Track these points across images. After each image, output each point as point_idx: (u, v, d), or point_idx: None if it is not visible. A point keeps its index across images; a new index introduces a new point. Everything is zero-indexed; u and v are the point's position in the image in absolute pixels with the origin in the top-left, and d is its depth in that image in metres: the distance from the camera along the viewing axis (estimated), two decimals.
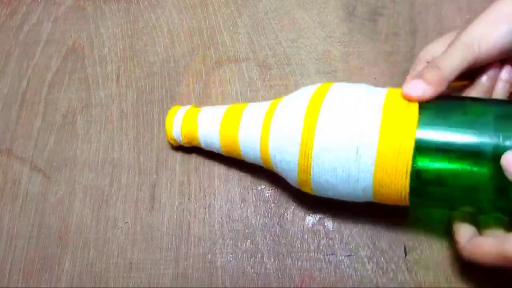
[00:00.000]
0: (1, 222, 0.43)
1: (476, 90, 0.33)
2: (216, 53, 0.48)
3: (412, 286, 0.35)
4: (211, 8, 0.51)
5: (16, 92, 0.49)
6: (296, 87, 0.44)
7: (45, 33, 0.52)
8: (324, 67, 0.45)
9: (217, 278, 0.38)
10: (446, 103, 0.31)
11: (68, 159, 0.45)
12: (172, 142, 0.41)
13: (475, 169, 0.27)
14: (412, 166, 0.29)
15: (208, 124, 0.38)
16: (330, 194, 0.33)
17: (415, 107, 0.30)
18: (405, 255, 0.36)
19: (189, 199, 0.41)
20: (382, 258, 0.36)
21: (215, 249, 0.39)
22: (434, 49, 0.35)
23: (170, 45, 0.49)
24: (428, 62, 0.35)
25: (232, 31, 0.49)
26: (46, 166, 0.45)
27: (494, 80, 0.33)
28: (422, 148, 0.29)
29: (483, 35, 0.31)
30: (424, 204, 0.33)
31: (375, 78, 0.44)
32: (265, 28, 0.48)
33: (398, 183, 0.30)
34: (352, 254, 0.36)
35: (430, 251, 0.36)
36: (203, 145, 0.40)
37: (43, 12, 0.54)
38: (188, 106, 0.41)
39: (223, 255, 0.38)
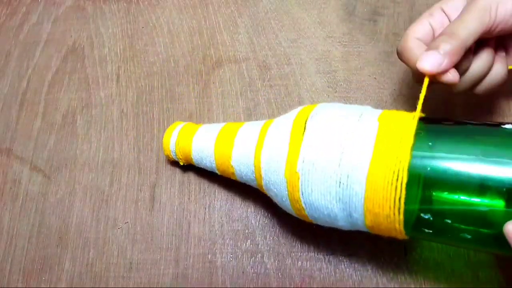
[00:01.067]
0: (1, 222, 0.43)
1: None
2: (216, 53, 0.48)
3: (412, 286, 0.35)
4: (211, 8, 0.51)
5: (16, 92, 0.49)
6: (296, 87, 0.44)
7: (45, 33, 0.52)
8: (324, 67, 0.45)
9: (217, 278, 0.38)
10: (451, 128, 0.29)
11: (68, 159, 0.45)
12: (168, 157, 0.41)
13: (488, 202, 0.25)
14: (406, 202, 0.26)
15: (201, 146, 0.37)
16: (328, 225, 0.32)
17: (409, 134, 0.27)
18: (405, 255, 0.36)
19: (189, 199, 0.41)
20: (382, 258, 0.36)
21: (215, 249, 0.39)
22: (451, 2, 0.33)
23: (170, 45, 0.49)
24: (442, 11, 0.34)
25: (232, 31, 0.49)
26: (46, 166, 0.45)
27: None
28: (427, 179, 0.26)
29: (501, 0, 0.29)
30: (424, 238, 0.30)
31: (375, 78, 0.44)
32: (265, 28, 0.48)
33: (390, 219, 0.27)
34: (352, 254, 0.36)
35: (430, 251, 0.36)
36: (196, 164, 0.39)
37: (43, 12, 0.54)
38: (184, 123, 0.40)
39: (223, 255, 0.38)
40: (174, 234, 0.40)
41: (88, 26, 0.52)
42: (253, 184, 0.35)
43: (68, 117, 0.47)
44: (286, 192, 0.31)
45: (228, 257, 0.38)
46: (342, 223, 0.30)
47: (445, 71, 0.29)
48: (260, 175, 0.33)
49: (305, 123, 0.30)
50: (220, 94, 0.45)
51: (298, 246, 0.38)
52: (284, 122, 0.32)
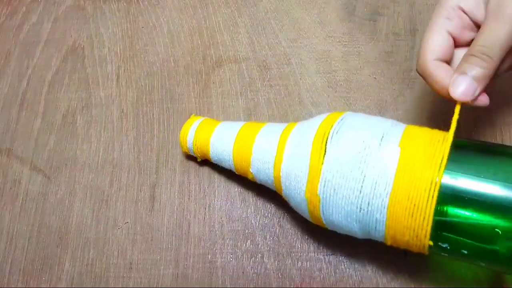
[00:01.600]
0: (1, 222, 0.43)
1: None
2: (216, 53, 0.48)
3: (412, 286, 0.35)
4: (211, 8, 0.51)
5: (16, 92, 0.49)
6: (296, 87, 0.44)
7: (45, 33, 0.52)
8: (324, 67, 0.45)
9: (217, 278, 0.38)
10: (479, 150, 0.28)
11: (68, 159, 0.45)
12: (186, 152, 0.41)
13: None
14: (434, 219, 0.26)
15: (219, 150, 0.38)
16: (345, 233, 0.32)
17: (440, 152, 0.27)
18: (405, 255, 0.36)
19: (189, 199, 0.41)
20: (382, 259, 0.36)
21: (215, 249, 0.39)
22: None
23: (170, 45, 0.49)
24: (462, 10, 0.30)
25: (232, 31, 0.49)
26: (46, 166, 0.45)
27: None
28: (448, 198, 0.26)
29: None
30: (442, 254, 0.29)
31: (375, 78, 0.44)
32: (265, 28, 0.48)
33: (415, 234, 0.27)
34: (352, 254, 0.36)
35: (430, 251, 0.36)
36: (215, 161, 0.39)
37: (43, 12, 0.54)
38: (201, 119, 0.40)
39: (223, 255, 0.38)
40: (174, 234, 0.40)
41: (88, 26, 0.52)
42: (274, 189, 0.35)
43: (68, 117, 0.47)
44: (307, 209, 0.31)
45: (228, 257, 0.38)
46: (362, 237, 0.31)
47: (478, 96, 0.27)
48: (280, 187, 0.33)
49: (325, 144, 0.30)
50: (220, 94, 0.45)
51: (298, 246, 0.38)
52: (304, 137, 0.31)
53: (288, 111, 0.43)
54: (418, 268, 0.35)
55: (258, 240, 0.38)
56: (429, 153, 0.27)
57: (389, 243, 0.29)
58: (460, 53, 0.30)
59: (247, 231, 0.39)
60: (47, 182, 0.44)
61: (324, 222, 0.31)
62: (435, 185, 0.26)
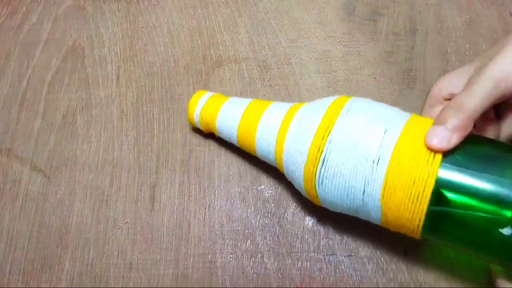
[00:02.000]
0: (1, 222, 0.43)
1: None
2: (216, 53, 0.48)
3: (412, 286, 0.35)
4: (211, 8, 0.51)
5: (16, 92, 0.49)
6: (296, 87, 0.44)
7: (45, 33, 0.52)
8: (324, 67, 0.45)
9: (217, 278, 0.38)
10: (474, 145, 0.29)
11: (68, 159, 0.45)
12: (191, 123, 0.42)
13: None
14: (429, 205, 0.27)
15: (227, 117, 0.38)
16: (338, 211, 0.33)
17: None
18: (405, 255, 0.36)
19: (189, 199, 0.41)
20: (382, 258, 0.36)
21: (215, 249, 0.39)
22: (450, 83, 0.33)
23: (170, 45, 0.49)
24: (445, 99, 0.33)
25: (232, 31, 0.49)
26: (46, 166, 0.45)
27: None
28: (443, 187, 0.27)
29: (508, 73, 0.28)
30: (435, 240, 0.31)
31: (375, 78, 0.44)
32: (265, 28, 0.48)
33: (411, 217, 0.28)
34: (352, 254, 0.36)
35: (430, 251, 0.36)
36: (219, 134, 0.40)
37: (43, 12, 0.54)
38: (211, 93, 0.41)
39: (223, 255, 0.38)
40: (174, 234, 0.40)
41: (88, 26, 0.52)
42: (274, 164, 0.36)
43: (68, 117, 0.47)
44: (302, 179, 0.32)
45: (228, 257, 0.38)
46: (354, 211, 0.32)
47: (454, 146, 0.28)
48: (282, 148, 0.34)
49: (325, 144, 0.31)
50: None
51: (298, 246, 0.38)
52: (309, 124, 0.32)
53: None
54: (418, 268, 0.35)
55: (258, 240, 0.38)
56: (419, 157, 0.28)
57: (383, 219, 0.30)
58: None
59: (247, 231, 0.39)
60: (47, 182, 0.44)
61: (317, 188, 0.31)
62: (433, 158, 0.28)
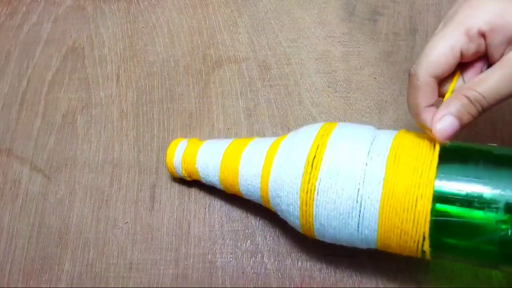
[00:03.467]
0: (1, 222, 0.43)
1: None
2: (216, 53, 0.48)
3: (412, 286, 0.35)
4: (211, 8, 0.51)
5: (16, 92, 0.49)
6: (296, 87, 0.44)
7: (45, 33, 0.52)
8: (324, 67, 0.45)
9: (217, 278, 0.38)
10: (466, 150, 0.28)
11: (68, 159, 0.45)
12: (172, 174, 0.40)
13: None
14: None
15: (207, 165, 0.37)
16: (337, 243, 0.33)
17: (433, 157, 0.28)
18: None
19: (189, 199, 0.41)
20: (382, 258, 0.36)
21: (215, 249, 0.39)
22: (499, 13, 0.27)
23: (170, 45, 0.49)
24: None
25: (232, 31, 0.49)
26: (46, 166, 0.45)
27: None
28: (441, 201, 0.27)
29: None
30: (437, 257, 0.30)
31: (375, 78, 0.44)
32: (265, 28, 0.48)
33: (409, 238, 0.28)
34: (352, 254, 0.36)
35: None
36: (203, 181, 0.39)
37: (43, 12, 0.54)
38: (186, 140, 0.40)
39: (223, 255, 0.38)
40: (174, 234, 0.40)
41: (88, 26, 0.52)
42: (259, 200, 0.36)
43: (68, 117, 0.47)
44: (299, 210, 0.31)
45: (228, 257, 0.38)
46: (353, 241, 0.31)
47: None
48: (268, 192, 0.33)
49: (322, 156, 0.30)
50: (220, 94, 0.45)
51: (298, 246, 0.38)
52: (293, 155, 0.32)
53: (288, 111, 0.43)
54: (418, 268, 0.35)
55: (258, 240, 0.38)
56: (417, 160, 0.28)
57: (380, 245, 0.30)
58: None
59: (247, 231, 0.39)
60: (47, 182, 0.44)
61: (314, 209, 0.31)
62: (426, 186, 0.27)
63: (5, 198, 0.44)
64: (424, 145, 0.29)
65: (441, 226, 0.27)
